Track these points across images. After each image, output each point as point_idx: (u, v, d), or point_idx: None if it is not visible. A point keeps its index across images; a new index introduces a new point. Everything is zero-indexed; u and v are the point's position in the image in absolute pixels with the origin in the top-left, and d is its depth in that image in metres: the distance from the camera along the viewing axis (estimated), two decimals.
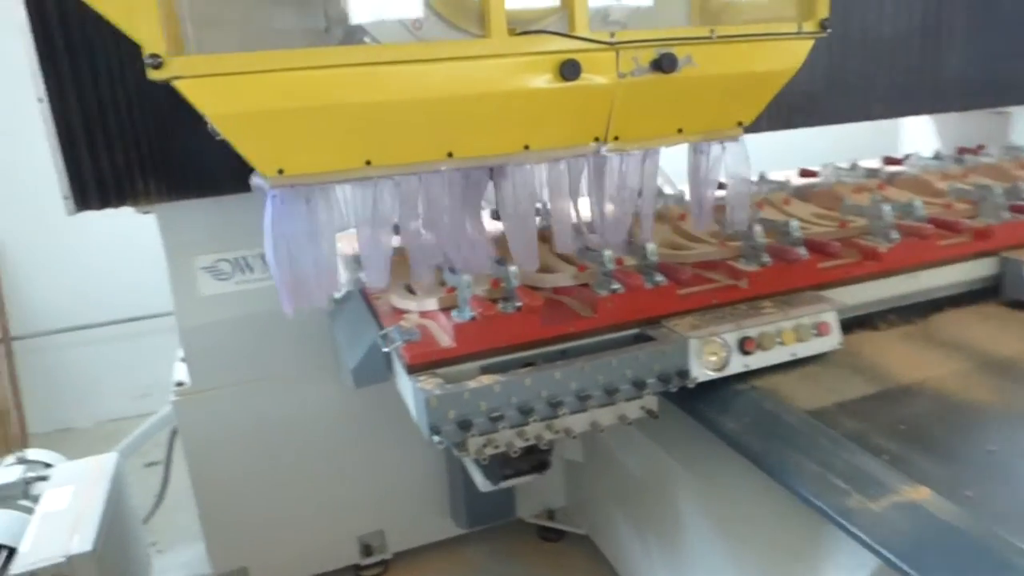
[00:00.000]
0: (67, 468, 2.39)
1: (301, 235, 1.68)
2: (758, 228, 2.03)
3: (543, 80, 1.68)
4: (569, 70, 1.66)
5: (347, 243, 2.16)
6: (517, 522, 2.82)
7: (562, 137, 1.80)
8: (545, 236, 2.13)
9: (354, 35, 1.67)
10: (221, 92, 1.47)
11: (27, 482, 2.34)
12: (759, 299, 1.95)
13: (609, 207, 1.97)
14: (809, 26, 1.91)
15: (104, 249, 4.21)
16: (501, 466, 1.76)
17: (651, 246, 1.89)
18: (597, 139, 1.83)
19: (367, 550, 2.70)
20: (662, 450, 2.05)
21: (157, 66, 1.40)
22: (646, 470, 2.21)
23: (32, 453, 2.62)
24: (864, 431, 1.59)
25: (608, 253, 1.85)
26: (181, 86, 1.44)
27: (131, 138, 2.02)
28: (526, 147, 1.76)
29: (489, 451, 1.62)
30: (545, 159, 1.84)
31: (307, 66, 1.52)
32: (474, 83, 1.64)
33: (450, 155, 1.71)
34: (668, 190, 2.63)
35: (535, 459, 1.78)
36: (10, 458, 2.55)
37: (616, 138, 1.83)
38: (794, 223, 2.07)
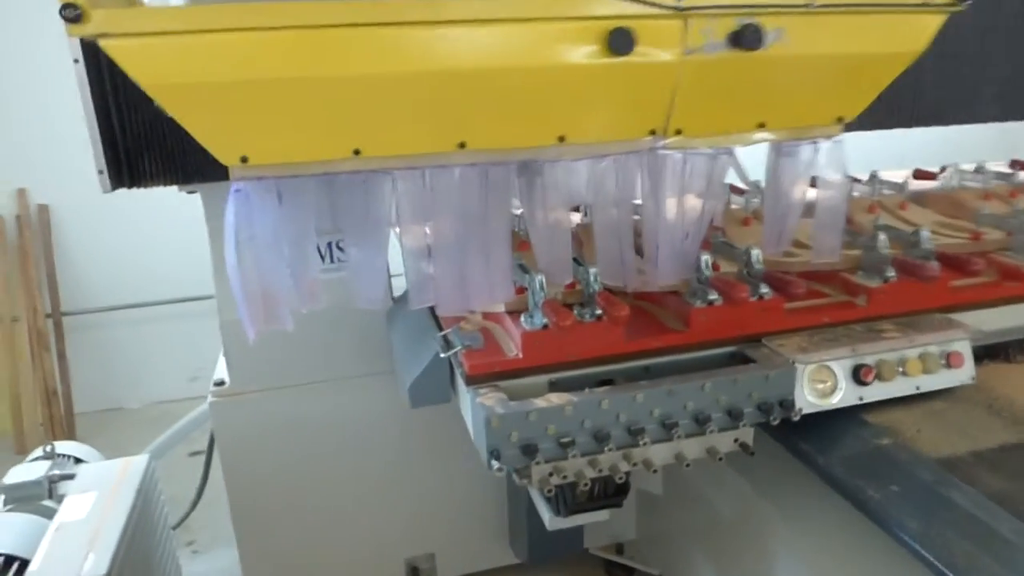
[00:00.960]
0: (93, 470, 2.30)
1: (271, 239, 1.40)
2: (882, 237, 1.81)
3: (585, 53, 1.40)
4: (620, 41, 1.37)
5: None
6: (582, 552, 2.67)
7: (608, 128, 1.54)
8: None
9: None
10: (159, 57, 1.19)
11: (52, 481, 2.25)
12: (879, 320, 1.80)
13: (669, 221, 1.65)
14: None
15: (161, 224, 4.24)
16: (570, 498, 1.68)
17: (756, 251, 1.72)
18: (654, 132, 1.56)
19: (414, 573, 2.59)
20: (754, 490, 1.89)
21: (75, 19, 1.11)
22: (734, 510, 2.05)
23: (62, 446, 2.55)
24: (1010, 492, 1.41)
25: (706, 258, 1.69)
26: (109, 48, 1.14)
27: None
28: (561, 139, 1.51)
29: (555, 481, 1.52)
30: (585, 155, 1.57)
31: (273, 25, 1.23)
32: (494, 54, 1.36)
33: (462, 146, 1.45)
34: (742, 184, 2.36)
35: (610, 488, 1.71)
36: (37, 451, 2.47)
37: (679, 131, 1.57)
38: (925, 232, 1.86)
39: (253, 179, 1.36)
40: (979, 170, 2.74)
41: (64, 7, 1.11)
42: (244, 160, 1.33)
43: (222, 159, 1.33)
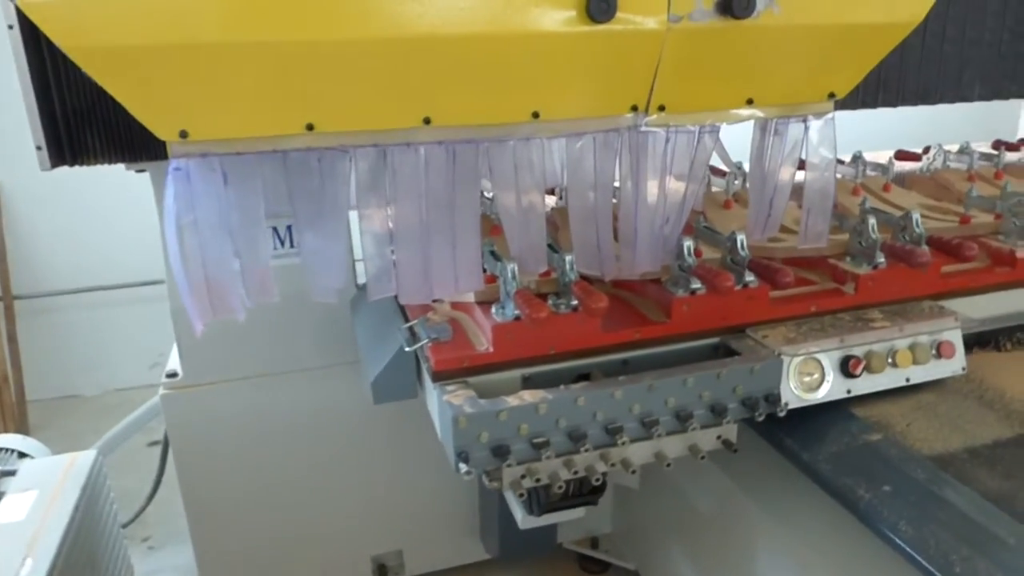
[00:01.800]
0: (36, 466, 2.20)
1: (217, 224, 1.28)
2: (872, 221, 1.76)
3: (561, 19, 1.31)
4: (599, 7, 1.29)
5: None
6: (556, 547, 2.60)
7: (586, 103, 1.46)
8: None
9: None
10: (84, 16, 1.08)
11: None
12: (867, 308, 1.76)
13: (650, 205, 1.57)
14: None
15: (118, 204, 4.06)
16: (544, 497, 1.62)
17: (742, 237, 1.65)
18: (635, 108, 1.49)
19: (381, 571, 2.52)
20: (736, 485, 1.85)
21: None
22: (715, 506, 2.01)
23: (4, 439, 2.43)
24: (1006, 492, 1.39)
25: (688, 244, 1.62)
26: (26, 7, 1.02)
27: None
28: (535, 115, 1.42)
29: (528, 484, 1.46)
30: (560, 132, 1.49)
31: None
32: (463, 19, 1.26)
33: (427, 121, 1.37)
34: (722, 165, 2.33)
35: (585, 486, 1.64)
36: None
37: (662, 108, 1.50)
38: (916, 216, 1.80)
39: (195, 156, 1.25)
40: (963, 151, 2.71)
41: None
42: (184, 135, 1.22)
43: (159, 134, 1.22)
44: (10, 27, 1.53)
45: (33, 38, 1.57)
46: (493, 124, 1.41)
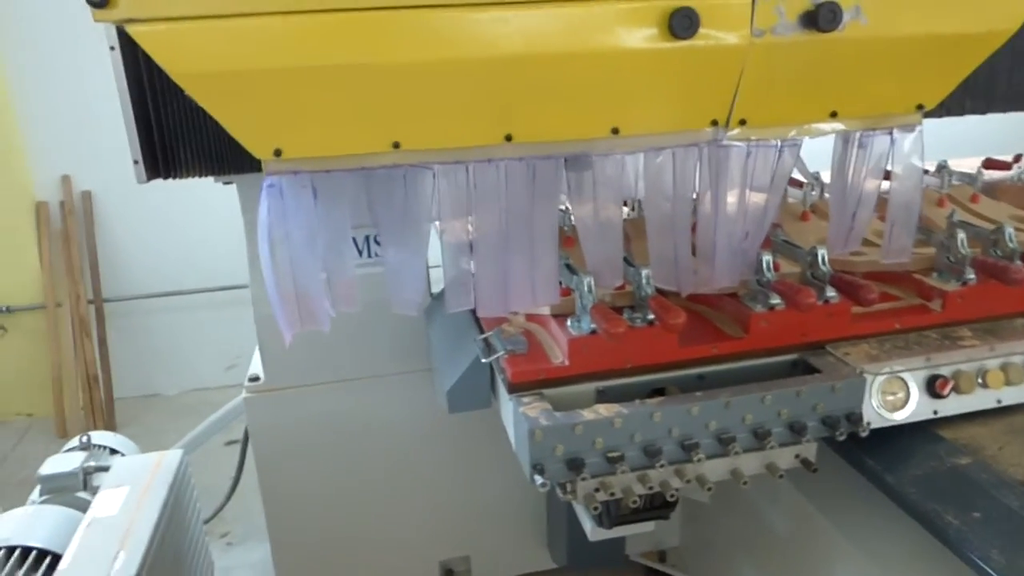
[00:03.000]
0: (127, 463, 2.29)
1: (307, 238, 1.31)
2: (962, 235, 1.70)
3: (642, 36, 1.29)
4: (681, 23, 1.27)
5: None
6: (623, 559, 2.60)
7: (665, 118, 1.44)
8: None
9: None
10: (189, 43, 1.13)
11: (87, 472, 2.25)
12: (955, 326, 1.70)
13: (729, 220, 1.54)
14: None
15: (201, 212, 4.24)
16: (615, 509, 1.60)
17: (823, 251, 1.62)
18: (716, 122, 1.46)
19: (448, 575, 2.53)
20: (813, 506, 1.78)
21: (100, 4, 1.05)
22: (790, 526, 1.95)
23: (98, 436, 2.54)
24: None
25: (767, 259, 1.59)
26: (136, 34, 1.07)
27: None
28: (615, 131, 1.40)
29: (601, 497, 1.43)
30: (641, 147, 1.47)
31: (309, 8, 1.15)
32: (544, 39, 1.26)
33: (509, 139, 1.36)
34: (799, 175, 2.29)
35: (657, 500, 1.63)
36: (73, 441, 2.47)
37: (743, 122, 1.46)
38: (1009, 230, 1.73)
39: (287, 173, 1.29)
40: None
41: None
42: (278, 153, 1.26)
43: (255, 152, 1.26)
44: (112, 48, 1.62)
45: (133, 59, 1.65)
46: (573, 140, 1.41)
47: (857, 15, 1.34)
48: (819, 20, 1.31)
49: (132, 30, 1.09)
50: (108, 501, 2.01)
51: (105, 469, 2.21)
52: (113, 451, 2.46)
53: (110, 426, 4.19)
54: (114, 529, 1.89)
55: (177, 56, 1.12)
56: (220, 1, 1.11)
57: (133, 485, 2.08)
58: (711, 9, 1.28)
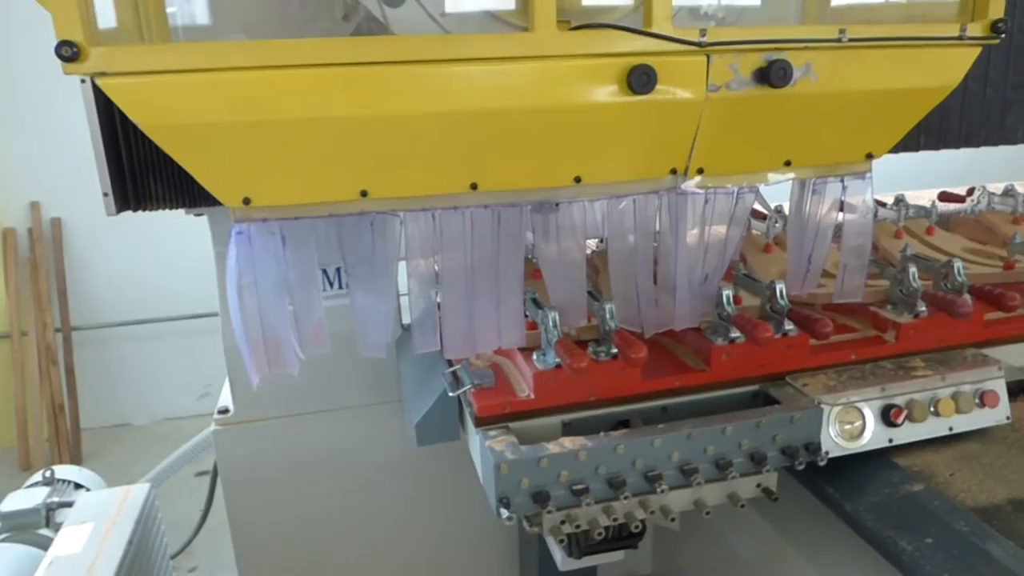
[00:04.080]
0: (91, 499, 2.24)
1: (275, 283, 1.33)
2: (913, 269, 1.75)
3: (604, 92, 1.33)
4: (640, 80, 1.30)
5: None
6: None
7: (626, 168, 1.48)
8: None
9: (374, 28, 1.36)
10: (158, 97, 1.14)
11: (50, 508, 2.22)
12: (909, 356, 1.75)
13: (689, 263, 1.56)
14: (976, 29, 1.48)
15: (172, 240, 4.22)
16: (583, 540, 1.61)
17: (781, 286, 1.64)
18: (675, 171, 1.50)
19: None
20: (776, 532, 1.81)
21: (71, 58, 1.05)
22: (756, 552, 1.97)
23: (62, 471, 2.50)
24: None
25: (727, 294, 1.62)
26: (106, 87, 1.08)
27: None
28: (577, 179, 1.44)
29: (567, 529, 1.45)
30: (603, 195, 1.50)
31: (277, 64, 1.17)
32: (509, 93, 1.29)
33: (474, 187, 1.39)
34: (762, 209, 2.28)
35: (625, 530, 1.63)
36: (36, 476, 2.43)
37: (701, 171, 1.51)
38: (958, 264, 1.78)
39: (256, 221, 1.30)
40: (1008, 192, 2.64)
41: (60, 45, 1.06)
42: (247, 202, 1.27)
43: (224, 200, 1.27)
44: (82, 81, 1.61)
45: (103, 94, 1.66)
46: (537, 188, 1.43)
47: (807, 72, 1.39)
48: (771, 77, 1.35)
49: (102, 83, 1.10)
50: (71, 538, 1.96)
51: (69, 505, 2.16)
52: (78, 486, 2.41)
53: (76, 457, 4.12)
54: (76, 567, 1.84)
55: (146, 109, 1.14)
56: (189, 56, 1.13)
57: (98, 521, 2.03)
58: (668, 66, 1.31)
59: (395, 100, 1.24)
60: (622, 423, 1.58)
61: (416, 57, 1.22)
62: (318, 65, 1.18)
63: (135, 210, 1.78)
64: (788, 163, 1.54)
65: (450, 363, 1.66)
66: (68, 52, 1.07)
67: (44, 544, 2.02)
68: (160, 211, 1.97)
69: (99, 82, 1.11)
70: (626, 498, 1.42)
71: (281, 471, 2.23)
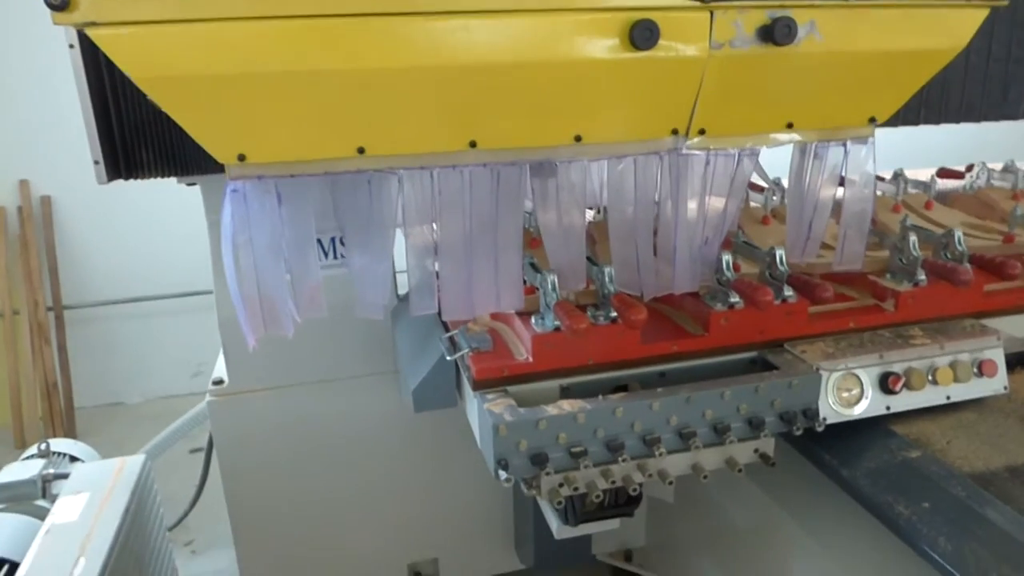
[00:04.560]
0: (87, 469, 2.23)
1: (271, 242, 1.31)
2: (913, 238, 1.75)
3: (604, 47, 1.30)
4: (642, 35, 1.28)
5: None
6: (590, 558, 2.62)
7: (627, 127, 1.45)
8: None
9: None
10: (152, 48, 1.11)
11: (45, 480, 2.21)
12: (907, 325, 1.74)
13: (689, 225, 1.55)
14: None
15: (164, 217, 4.18)
16: (579, 506, 1.61)
17: (781, 252, 1.63)
18: (676, 131, 1.48)
19: None
20: (773, 501, 1.82)
21: (60, 6, 1.03)
22: (751, 521, 1.99)
23: (57, 444, 2.49)
24: None
25: (727, 259, 1.61)
26: (97, 38, 1.06)
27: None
28: (577, 139, 1.42)
29: (565, 492, 1.45)
30: (603, 155, 1.48)
31: (274, 14, 1.14)
32: (507, 48, 1.26)
33: (473, 145, 1.36)
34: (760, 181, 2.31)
35: (621, 497, 1.65)
36: (32, 448, 2.42)
37: (703, 131, 1.48)
38: (958, 233, 1.77)
39: (251, 178, 1.28)
40: (1007, 169, 2.65)
41: None
42: (242, 158, 1.25)
43: (218, 157, 1.25)
44: (71, 46, 1.59)
45: (93, 57, 1.62)
46: (537, 147, 1.41)
47: (812, 30, 1.36)
48: (775, 35, 1.33)
49: (93, 33, 1.08)
50: (68, 507, 1.96)
51: (64, 476, 2.15)
52: (73, 458, 2.41)
53: (70, 435, 4.10)
54: (74, 535, 1.84)
55: (140, 60, 1.11)
56: (184, 5, 1.10)
57: (94, 491, 2.03)
58: (671, 22, 1.29)
59: (391, 54, 1.21)
60: (620, 388, 1.57)
61: (414, 9, 1.19)
62: (316, 16, 1.16)
63: (126, 178, 1.76)
64: (790, 125, 1.52)
65: (447, 328, 1.65)
66: (57, 1, 1.04)
67: (41, 514, 2.02)
68: (152, 187, 1.95)
69: (90, 32, 1.08)
70: (624, 461, 1.42)
71: (276, 442, 2.22)
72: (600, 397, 1.44)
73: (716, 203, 1.58)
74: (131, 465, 2.16)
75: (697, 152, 1.51)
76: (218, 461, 2.26)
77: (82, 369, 4.35)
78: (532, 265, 1.57)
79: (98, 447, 2.56)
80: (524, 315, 1.59)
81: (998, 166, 2.68)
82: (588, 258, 1.61)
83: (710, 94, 1.41)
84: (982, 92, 2.34)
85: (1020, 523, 1.29)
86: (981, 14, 1.47)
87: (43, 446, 2.41)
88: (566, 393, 1.53)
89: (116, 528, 1.87)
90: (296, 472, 2.27)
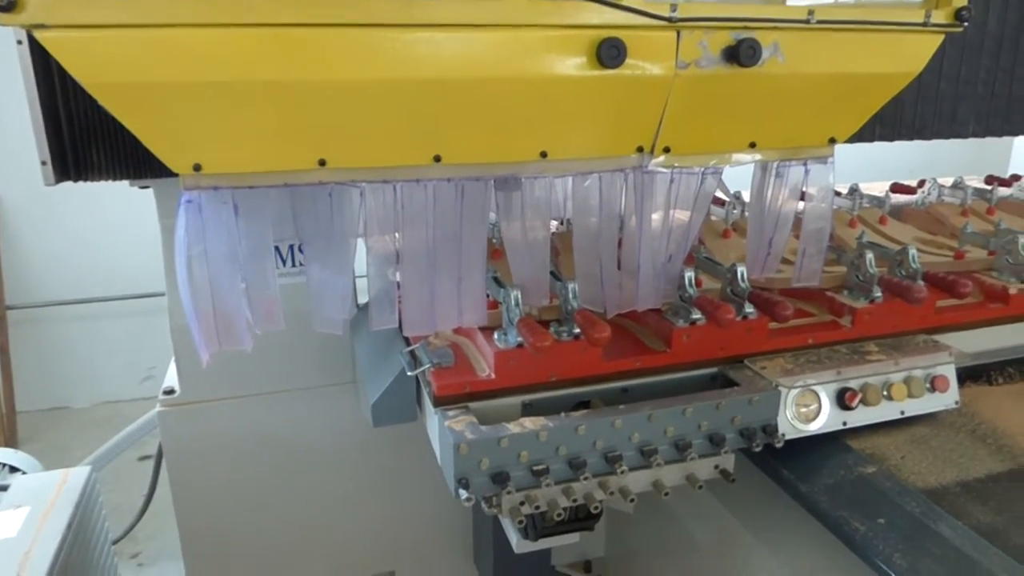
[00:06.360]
0: (28, 482, 2.18)
1: (227, 255, 1.27)
2: (870, 255, 1.77)
3: (572, 65, 1.30)
4: (609, 53, 1.28)
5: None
6: (549, 570, 2.60)
7: (593, 144, 1.46)
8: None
9: None
10: (103, 53, 1.07)
11: None
12: (863, 341, 1.77)
13: (653, 242, 1.56)
14: (940, 16, 1.49)
15: (114, 216, 4.07)
16: (540, 522, 1.60)
17: (742, 269, 1.65)
18: (641, 149, 1.49)
19: None
20: (731, 514, 1.82)
21: (7, 7, 0.98)
22: (710, 534, 1.99)
23: None
24: (999, 526, 1.40)
25: (689, 275, 1.62)
26: (46, 41, 1.01)
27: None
28: (543, 155, 1.41)
29: (527, 510, 1.43)
30: (568, 171, 1.48)
31: (233, 22, 1.11)
32: (475, 62, 1.25)
33: (437, 159, 1.35)
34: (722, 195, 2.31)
35: (582, 512, 1.63)
36: None
37: (667, 149, 1.49)
38: (913, 251, 1.81)
39: (207, 189, 1.24)
40: (957, 185, 2.73)
41: None
42: (197, 168, 1.21)
43: (172, 166, 1.21)
44: (19, 42, 1.52)
45: (42, 54, 1.56)
46: (502, 163, 1.40)
47: (776, 52, 1.38)
48: (740, 56, 1.34)
49: (41, 36, 1.03)
50: (6, 522, 1.90)
51: (4, 489, 2.09)
52: (13, 469, 2.34)
53: (11, 441, 3.96)
54: (12, 552, 1.79)
55: (90, 66, 1.07)
56: (138, 10, 1.06)
57: (35, 505, 1.98)
58: (638, 40, 1.29)
59: (355, 65, 1.19)
60: (583, 404, 1.57)
61: (378, 20, 1.17)
62: (275, 25, 1.13)
63: (76, 180, 1.69)
64: (753, 144, 1.54)
65: (408, 342, 1.62)
66: (4, 1, 0.99)
67: None
68: (102, 187, 1.88)
69: (38, 35, 1.04)
70: (586, 479, 1.41)
71: (228, 454, 2.16)
72: (563, 415, 1.43)
73: (680, 220, 1.58)
74: (75, 477, 2.10)
75: (662, 170, 1.51)
76: (167, 472, 2.19)
77: (25, 372, 4.22)
78: (496, 280, 1.56)
79: (41, 453, 2.49)
80: (487, 330, 1.57)
81: (948, 182, 2.76)
82: (552, 273, 1.60)
83: (675, 113, 1.41)
84: (934, 111, 2.40)
85: (972, 539, 1.32)
86: (937, 39, 1.51)
87: None
88: (528, 409, 1.52)
89: (58, 544, 1.83)
90: (250, 484, 2.22)
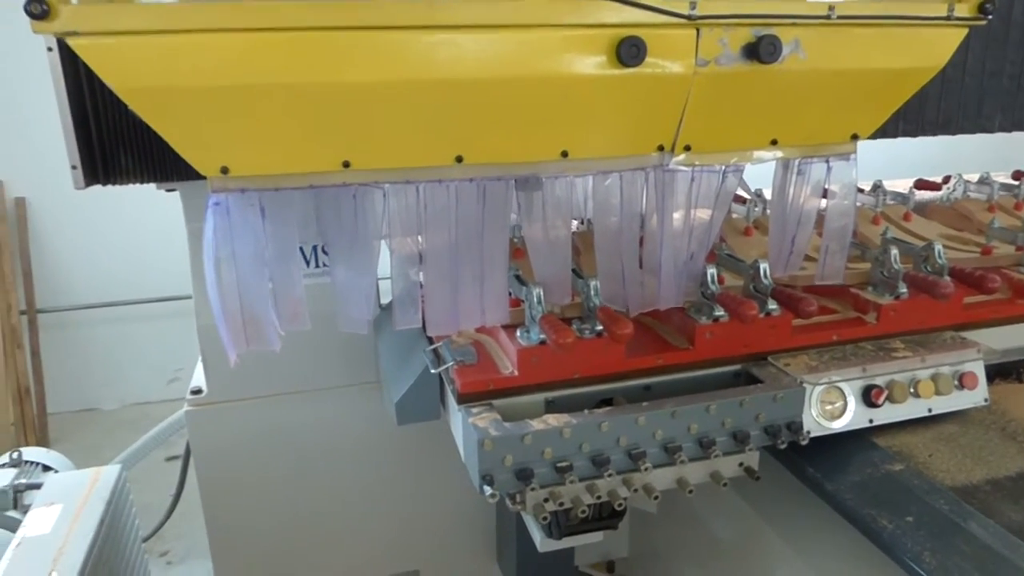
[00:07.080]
0: (61, 480, 2.20)
1: (254, 256, 1.30)
2: (894, 251, 1.75)
3: (592, 64, 1.31)
4: (629, 52, 1.29)
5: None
6: (573, 570, 2.59)
7: (614, 143, 1.46)
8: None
9: None
10: (134, 59, 1.10)
11: (17, 490, 2.22)
12: (889, 338, 1.75)
13: (675, 241, 1.56)
14: (963, 9, 1.48)
15: (142, 220, 4.13)
16: (564, 520, 1.59)
17: (765, 266, 1.63)
18: (662, 147, 1.49)
19: None
20: (755, 513, 1.81)
21: (41, 15, 1.01)
22: (734, 533, 1.98)
23: (29, 452, 2.48)
24: None
25: (712, 272, 1.61)
26: (78, 48, 1.04)
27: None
28: (564, 154, 1.42)
29: (551, 507, 1.43)
30: (589, 170, 1.48)
31: (259, 26, 1.13)
32: (496, 63, 1.26)
33: (459, 160, 1.36)
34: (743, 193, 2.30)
35: (605, 510, 1.63)
36: (3, 458, 2.41)
37: (688, 147, 1.49)
38: (939, 247, 1.78)
39: (234, 191, 1.26)
40: (983, 180, 2.69)
41: (29, 1, 1.01)
42: (225, 171, 1.23)
43: (201, 169, 1.23)
44: (49, 49, 1.55)
45: (72, 60, 1.59)
46: (523, 162, 1.41)
47: (796, 48, 1.38)
48: (760, 52, 1.34)
49: (74, 43, 1.06)
50: (40, 519, 1.93)
51: (37, 487, 2.13)
52: (46, 468, 2.39)
53: (43, 442, 4.03)
54: (46, 548, 1.82)
55: (121, 71, 1.09)
56: (167, 16, 1.09)
57: (67, 502, 2.01)
58: (658, 39, 1.30)
59: (378, 67, 1.21)
60: (605, 402, 1.57)
61: (400, 23, 1.18)
62: (300, 28, 1.15)
63: (104, 184, 1.72)
64: (775, 142, 1.53)
65: (431, 341, 1.63)
66: (38, 9, 1.02)
67: (12, 526, 2.01)
68: (130, 190, 1.91)
69: (70, 42, 1.06)
70: (610, 476, 1.41)
71: (256, 453, 2.18)
72: (586, 411, 1.43)
73: (701, 218, 1.58)
74: (106, 475, 2.13)
75: (683, 168, 1.51)
76: (195, 471, 2.21)
77: (56, 374, 4.28)
78: (517, 278, 1.56)
79: (71, 454, 2.53)
80: (509, 328, 1.57)
81: (974, 177, 2.72)
82: (574, 271, 1.60)
83: (696, 111, 1.41)
84: (958, 105, 2.37)
85: (1003, 537, 1.30)
86: (960, 33, 1.50)
87: (15, 455, 2.38)
88: (551, 407, 1.52)
89: (90, 541, 1.85)
90: (276, 483, 2.23)
